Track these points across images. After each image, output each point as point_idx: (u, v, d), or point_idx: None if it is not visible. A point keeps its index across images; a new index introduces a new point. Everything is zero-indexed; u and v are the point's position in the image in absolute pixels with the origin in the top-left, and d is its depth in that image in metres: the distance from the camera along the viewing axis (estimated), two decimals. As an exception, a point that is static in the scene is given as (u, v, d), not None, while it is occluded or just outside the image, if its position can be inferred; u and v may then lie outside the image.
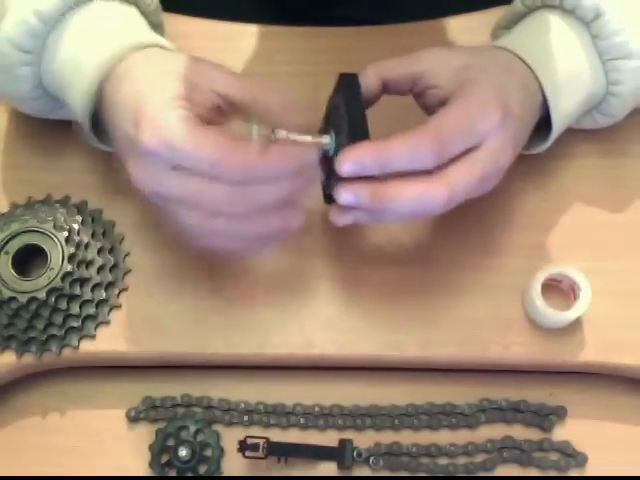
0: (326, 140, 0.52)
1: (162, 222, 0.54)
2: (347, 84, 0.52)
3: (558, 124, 0.56)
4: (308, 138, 0.51)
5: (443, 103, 0.52)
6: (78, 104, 0.54)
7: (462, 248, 0.61)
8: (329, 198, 0.53)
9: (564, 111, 0.56)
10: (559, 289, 0.59)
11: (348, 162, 0.48)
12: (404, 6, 0.72)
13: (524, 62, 0.55)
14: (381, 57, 0.66)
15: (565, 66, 0.56)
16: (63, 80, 0.55)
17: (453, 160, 0.50)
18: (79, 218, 0.60)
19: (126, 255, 0.61)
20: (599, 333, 0.58)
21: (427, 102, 0.55)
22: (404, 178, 0.49)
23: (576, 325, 0.58)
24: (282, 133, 0.50)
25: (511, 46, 0.56)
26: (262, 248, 0.57)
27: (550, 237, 0.61)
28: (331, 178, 0.52)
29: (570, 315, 0.57)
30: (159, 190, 0.49)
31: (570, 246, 0.61)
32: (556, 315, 0.56)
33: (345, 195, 0.50)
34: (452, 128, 0.49)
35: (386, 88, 0.56)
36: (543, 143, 0.58)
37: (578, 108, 0.57)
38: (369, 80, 0.55)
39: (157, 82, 0.50)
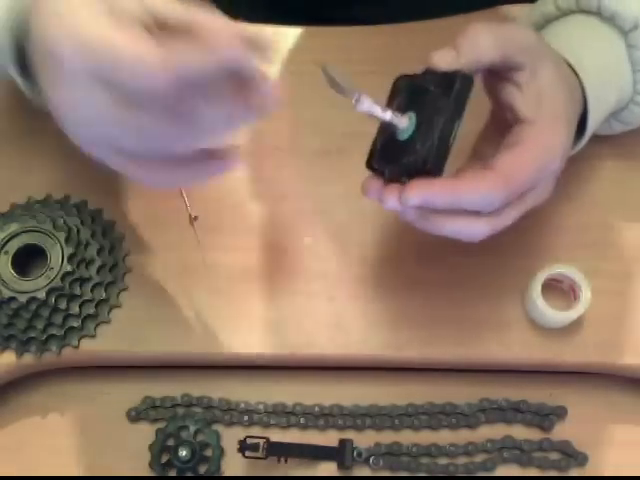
0: (404, 124, 0.48)
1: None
2: (462, 87, 0.47)
3: (590, 132, 0.56)
4: (387, 115, 0.47)
5: (507, 104, 0.50)
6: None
7: (462, 248, 0.61)
8: (380, 172, 0.50)
9: (597, 115, 0.56)
10: (559, 289, 0.59)
11: (416, 197, 0.46)
12: (404, 6, 0.72)
13: (570, 66, 0.54)
14: (381, 57, 0.67)
15: (601, 73, 0.55)
16: None
17: None
18: (79, 218, 0.60)
19: (126, 255, 0.61)
20: (599, 333, 0.58)
21: (498, 90, 0.51)
22: (468, 176, 0.48)
23: (576, 325, 0.58)
24: (366, 102, 0.47)
25: (558, 49, 0.54)
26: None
27: (550, 237, 0.61)
28: (389, 157, 0.49)
29: (570, 315, 0.57)
30: (81, 111, 0.43)
31: (570, 246, 0.61)
32: (556, 315, 0.56)
33: (393, 205, 0.48)
34: (525, 178, 0.48)
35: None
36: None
37: (606, 114, 0.57)
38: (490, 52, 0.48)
39: None
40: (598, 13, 0.56)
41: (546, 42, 0.53)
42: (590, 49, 0.56)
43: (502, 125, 0.52)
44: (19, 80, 0.51)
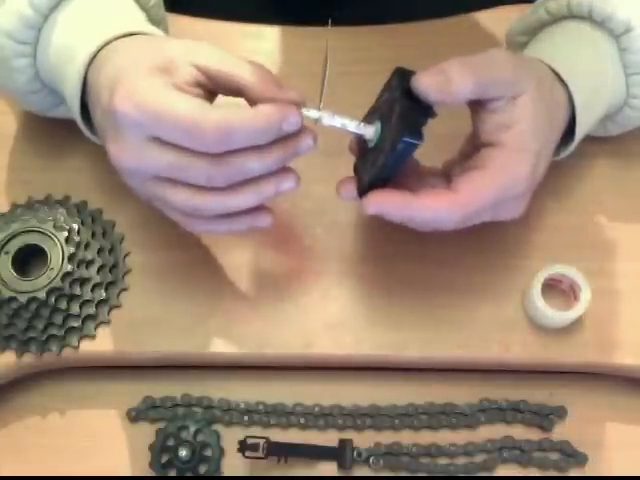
0: (369, 132, 0.51)
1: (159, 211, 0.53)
2: (403, 81, 0.50)
3: (580, 136, 0.56)
4: (353, 125, 0.51)
5: (477, 126, 0.52)
6: (70, 94, 0.54)
7: (463, 248, 0.61)
8: (360, 182, 0.53)
9: (587, 123, 0.56)
10: (559, 289, 0.59)
11: (373, 207, 0.50)
12: (404, 6, 0.72)
13: (558, 76, 0.54)
14: (381, 57, 0.67)
15: (594, 80, 0.55)
16: (57, 70, 0.55)
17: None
18: (79, 218, 0.60)
19: (126, 255, 0.61)
20: (599, 333, 0.58)
21: (473, 111, 0.53)
22: (427, 195, 0.50)
23: (576, 325, 0.58)
24: (327, 115, 0.50)
25: (544, 58, 0.55)
26: (252, 226, 0.53)
27: (550, 237, 0.61)
28: (366, 165, 0.52)
29: (570, 315, 0.57)
30: (138, 165, 0.48)
31: (570, 246, 0.61)
32: (556, 315, 0.56)
33: (371, 209, 0.50)
34: (483, 202, 0.50)
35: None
36: (561, 150, 0.58)
37: (597, 119, 0.58)
38: (461, 89, 0.49)
39: (136, 56, 0.50)
40: (589, 18, 0.56)
41: (527, 65, 0.52)
42: (581, 55, 0.56)
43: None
44: (80, 122, 0.56)
